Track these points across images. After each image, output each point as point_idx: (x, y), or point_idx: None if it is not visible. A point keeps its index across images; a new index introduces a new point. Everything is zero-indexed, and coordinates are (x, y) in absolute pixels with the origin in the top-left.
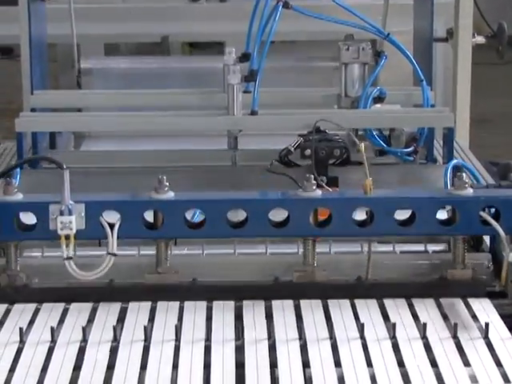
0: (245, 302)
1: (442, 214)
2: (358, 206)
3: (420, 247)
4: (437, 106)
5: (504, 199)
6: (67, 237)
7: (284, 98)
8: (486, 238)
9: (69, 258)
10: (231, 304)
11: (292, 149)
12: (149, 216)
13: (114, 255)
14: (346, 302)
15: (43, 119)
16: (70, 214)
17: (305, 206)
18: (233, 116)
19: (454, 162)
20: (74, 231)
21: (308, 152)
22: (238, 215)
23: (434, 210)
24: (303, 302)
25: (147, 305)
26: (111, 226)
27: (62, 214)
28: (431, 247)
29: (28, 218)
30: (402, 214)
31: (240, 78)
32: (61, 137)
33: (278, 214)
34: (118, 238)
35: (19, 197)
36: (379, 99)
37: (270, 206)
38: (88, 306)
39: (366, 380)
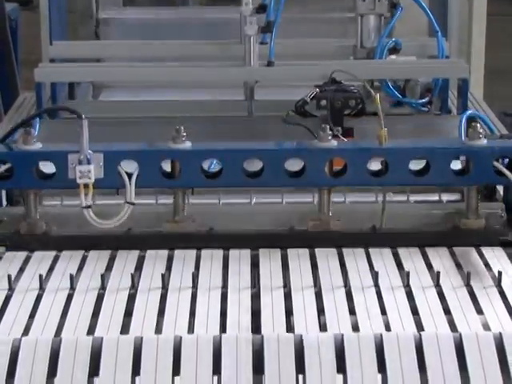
0: (261, 251)
1: (456, 165)
2: (372, 156)
3: (434, 197)
4: (451, 57)
5: None
6: (86, 186)
7: (300, 49)
8: (500, 188)
9: (87, 207)
10: (247, 252)
11: (308, 99)
12: (166, 166)
13: (132, 204)
14: (361, 251)
15: (62, 70)
16: (89, 163)
17: (320, 156)
18: (249, 67)
19: (469, 112)
20: (93, 180)
21: (324, 102)
22: (255, 165)
23: (448, 161)
24: (318, 251)
25: (164, 253)
26: (129, 175)
27: (80, 163)
28: (445, 197)
29: (47, 168)
30: (416, 165)
31: (257, 29)
32: (79, 87)
33: (294, 164)
34: (135, 187)
35: (38, 146)
36: (394, 50)
37: (286, 155)
38: (106, 253)
39: (380, 327)
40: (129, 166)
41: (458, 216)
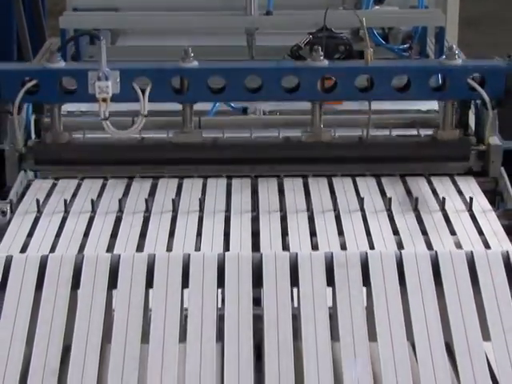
0: (260, 179)
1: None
2: (359, 74)
3: (413, 131)
4: (430, 7)
5: (489, 67)
6: (104, 100)
7: (296, 0)
8: (472, 124)
9: (105, 119)
10: (248, 181)
11: (302, 45)
12: (176, 82)
13: (145, 116)
14: (348, 180)
15: (84, 17)
16: (107, 79)
17: (313, 73)
18: (250, 16)
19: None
20: (110, 95)
21: (316, 47)
22: (256, 83)
23: (426, 77)
24: (311, 179)
25: (175, 181)
26: (143, 90)
27: (99, 79)
28: (423, 131)
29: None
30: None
31: None
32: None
33: (291, 82)
34: (148, 101)
35: (62, 64)
36: (379, 1)
37: (283, 73)
38: (123, 181)
39: (365, 246)
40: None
41: (434, 130)
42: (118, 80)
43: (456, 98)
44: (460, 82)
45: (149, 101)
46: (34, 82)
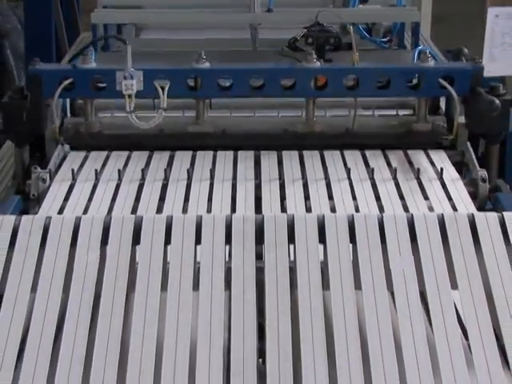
0: (262, 152)
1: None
2: (347, 74)
3: (393, 112)
4: (407, 6)
5: (457, 69)
6: (129, 96)
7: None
8: (442, 105)
9: (131, 112)
10: (252, 153)
11: (298, 37)
12: (191, 81)
13: (165, 109)
14: (337, 153)
15: (112, 14)
16: (132, 78)
17: (307, 73)
18: (253, 13)
19: (420, 47)
20: (135, 91)
21: (310, 40)
22: (258, 82)
23: (404, 78)
24: (305, 153)
25: (189, 153)
26: (162, 88)
27: (125, 78)
28: (401, 112)
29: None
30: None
31: None
32: (125, 28)
33: (288, 81)
34: (167, 97)
35: (94, 65)
36: (364, 1)
37: (282, 73)
38: (145, 153)
39: (351, 209)
40: (162, 82)
41: (410, 124)
42: (142, 79)
43: (429, 95)
44: (432, 81)
45: (167, 97)
46: (70, 81)
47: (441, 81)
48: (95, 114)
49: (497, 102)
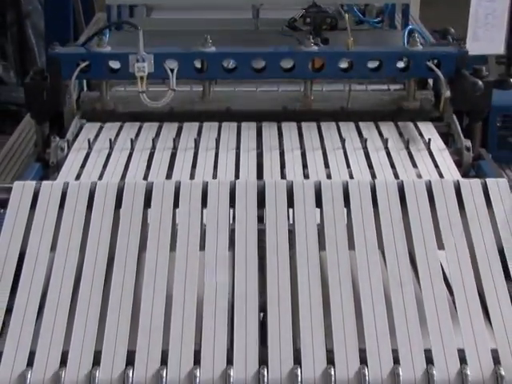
0: (263, 123)
1: (400, 64)
2: (342, 57)
3: (384, 87)
4: None
5: (443, 53)
6: (141, 77)
7: None
8: (430, 81)
9: (143, 92)
10: (254, 124)
11: (297, 18)
12: (197, 63)
13: (174, 90)
14: (333, 124)
15: None
16: (143, 61)
17: (305, 56)
18: None
19: (409, 27)
20: (146, 73)
21: (308, 20)
22: (260, 64)
23: (394, 60)
24: (304, 124)
25: (196, 124)
26: (172, 69)
27: (137, 61)
28: (392, 86)
29: (115, 65)
30: (373, 64)
31: None
32: (137, 9)
33: (287, 63)
34: (176, 78)
35: (108, 49)
36: None
37: (281, 56)
38: (155, 124)
39: (346, 176)
40: (171, 64)
41: (400, 100)
42: (153, 61)
43: (418, 76)
44: (421, 64)
45: (176, 78)
46: (86, 63)
47: (428, 63)
48: (110, 87)
49: (480, 83)
